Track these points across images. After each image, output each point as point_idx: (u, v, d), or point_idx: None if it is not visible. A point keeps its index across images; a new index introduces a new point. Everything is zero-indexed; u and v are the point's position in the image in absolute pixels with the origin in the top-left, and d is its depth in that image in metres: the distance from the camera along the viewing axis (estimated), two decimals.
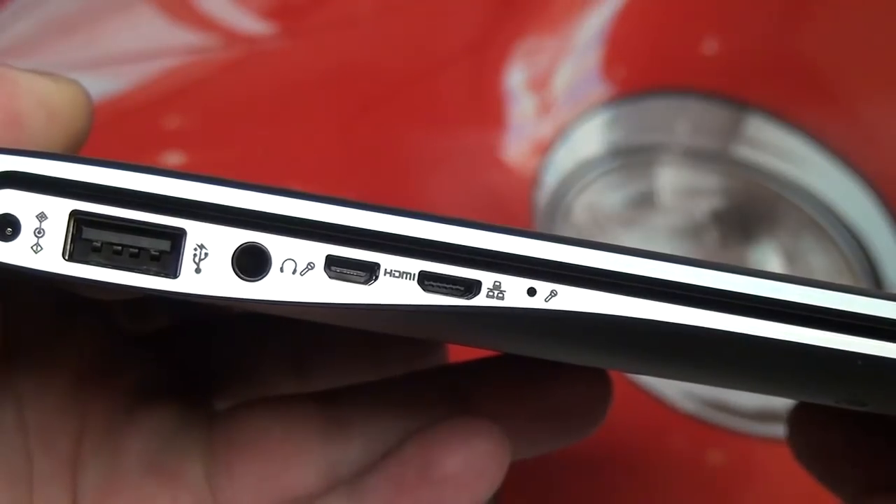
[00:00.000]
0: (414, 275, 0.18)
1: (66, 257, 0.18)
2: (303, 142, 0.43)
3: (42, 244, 0.18)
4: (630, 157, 0.43)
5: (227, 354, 0.29)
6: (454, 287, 0.18)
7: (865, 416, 0.28)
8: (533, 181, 0.43)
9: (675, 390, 0.41)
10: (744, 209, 0.43)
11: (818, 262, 0.41)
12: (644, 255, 0.18)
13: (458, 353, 0.29)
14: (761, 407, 0.40)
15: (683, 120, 0.43)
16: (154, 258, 0.18)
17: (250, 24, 0.45)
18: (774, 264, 0.41)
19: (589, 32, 0.44)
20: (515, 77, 0.44)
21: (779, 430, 0.39)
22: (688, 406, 0.40)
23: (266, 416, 0.26)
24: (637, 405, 0.41)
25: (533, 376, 0.27)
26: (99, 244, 0.18)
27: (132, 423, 0.26)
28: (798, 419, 0.29)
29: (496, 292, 0.18)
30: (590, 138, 0.43)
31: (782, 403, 0.39)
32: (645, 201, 0.43)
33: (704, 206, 0.43)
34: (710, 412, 0.40)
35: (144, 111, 0.43)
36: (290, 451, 0.26)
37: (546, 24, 0.45)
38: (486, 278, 0.18)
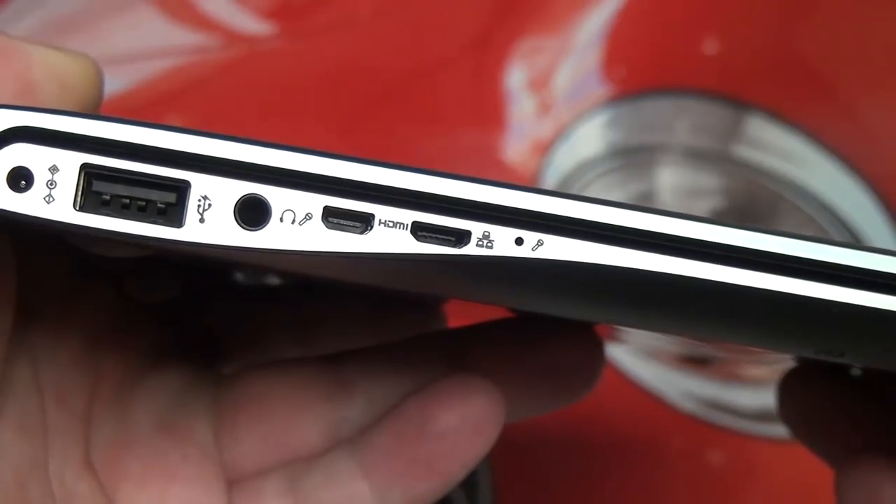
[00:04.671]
0: (407, 225, 0.18)
1: (77, 208, 0.18)
2: (302, 142, 0.43)
3: (54, 195, 0.18)
4: (630, 157, 0.43)
5: (233, 322, 0.30)
6: (445, 237, 0.19)
7: (853, 379, 0.28)
8: (533, 181, 0.43)
9: (675, 390, 0.41)
10: (744, 209, 0.43)
11: None
12: (627, 207, 0.18)
13: (457, 323, 0.29)
14: (762, 407, 0.40)
15: (683, 120, 0.43)
16: (160, 211, 0.19)
17: (250, 24, 0.45)
18: None
19: (589, 32, 0.44)
20: (515, 77, 0.44)
21: (779, 430, 0.39)
22: (688, 406, 0.40)
23: (270, 378, 0.27)
24: (637, 405, 0.41)
25: (529, 339, 0.28)
26: (108, 197, 0.18)
27: (143, 384, 0.27)
28: (787, 384, 0.30)
29: (485, 242, 0.18)
30: (590, 138, 0.43)
31: None
32: (645, 201, 0.43)
33: (704, 206, 0.43)
34: (710, 412, 0.40)
35: (144, 111, 0.43)
36: (293, 411, 0.27)
37: (546, 24, 0.45)
38: (476, 228, 0.18)
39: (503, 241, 0.18)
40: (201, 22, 0.45)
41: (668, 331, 0.26)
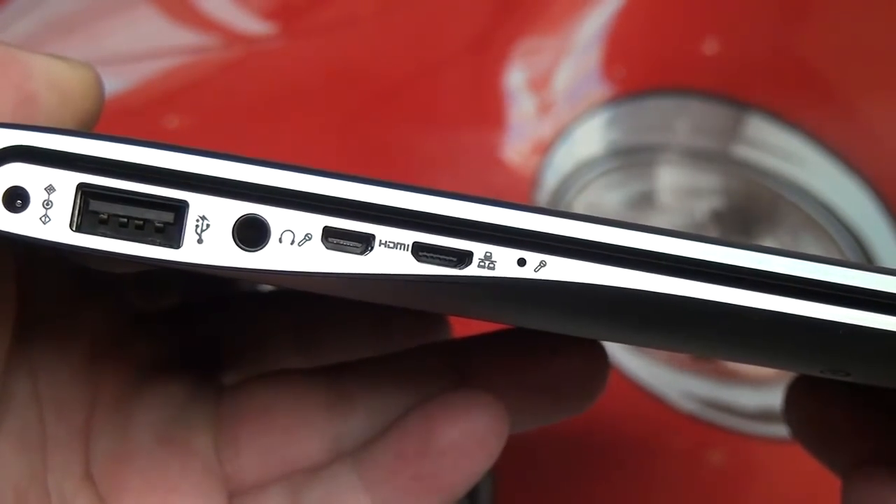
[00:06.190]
0: (408, 246, 0.18)
1: (74, 228, 0.18)
2: (303, 141, 0.43)
3: (50, 215, 0.18)
4: (630, 157, 0.43)
5: (234, 331, 0.29)
6: (447, 258, 0.18)
7: (860, 390, 0.28)
8: (533, 181, 0.43)
9: (675, 390, 0.41)
10: (744, 209, 0.43)
11: None
12: (630, 226, 0.18)
13: (462, 331, 0.29)
14: (762, 407, 0.40)
15: (683, 120, 0.43)
16: (158, 230, 0.18)
17: (250, 24, 0.45)
18: None
19: (589, 32, 0.44)
20: (515, 77, 0.44)
21: (779, 430, 0.39)
22: (688, 406, 0.40)
23: (272, 390, 0.27)
24: (637, 405, 0.41)
25: (532, 351, 0.28)
26: (105, 216, 0.18)
27: (143, 395, 0.27)
28: (794, 393, 0.29)
29: (487, 262, 0.18)
30: (590, 138, 0.43)
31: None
32: (645, 201, 0.43)
33: (704, 206, 0.43)
34: (710, 412, 0.40)
35: (144, 111, 0.43)
36: (295, 423, 0.27)
37: (546, 24, 0.45)
38: (478, 249, 0.18)
39: (505, 262, 0.18)
40: (201, 22, 0.45)
41: (672, 348, 0.26)
